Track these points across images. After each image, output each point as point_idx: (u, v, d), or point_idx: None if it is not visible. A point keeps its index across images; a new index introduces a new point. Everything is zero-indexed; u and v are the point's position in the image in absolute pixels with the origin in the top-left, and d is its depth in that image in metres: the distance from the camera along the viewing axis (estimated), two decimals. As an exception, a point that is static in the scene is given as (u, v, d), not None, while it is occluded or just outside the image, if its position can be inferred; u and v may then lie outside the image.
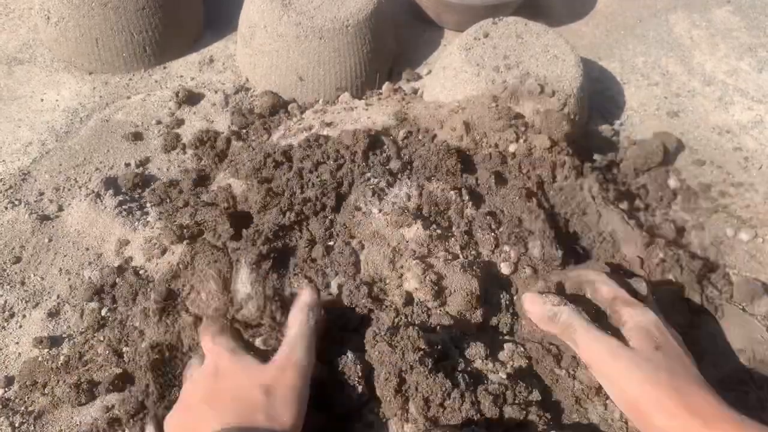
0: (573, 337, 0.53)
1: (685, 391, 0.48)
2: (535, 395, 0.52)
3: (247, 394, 0.49)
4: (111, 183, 0.80)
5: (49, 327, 0.68)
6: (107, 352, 0.63)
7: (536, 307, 0.56)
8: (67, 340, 0.67)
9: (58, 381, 0.62)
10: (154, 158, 0.84)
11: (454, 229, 0.64)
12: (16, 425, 0.59)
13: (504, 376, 0.53)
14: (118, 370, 0.62)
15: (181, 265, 0.63)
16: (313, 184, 0.66)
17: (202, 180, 0.80)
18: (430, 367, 0.50)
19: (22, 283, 0.71)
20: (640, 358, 0.50)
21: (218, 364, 0.52)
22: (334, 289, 0.59)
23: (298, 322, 0.54)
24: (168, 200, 0.78)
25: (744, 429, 0.45)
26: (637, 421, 0.49)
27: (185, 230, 0.70)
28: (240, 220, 0.66)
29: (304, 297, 0.56)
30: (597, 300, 0.57)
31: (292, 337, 0.53)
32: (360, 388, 0.52)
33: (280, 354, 0.52)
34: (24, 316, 0.69)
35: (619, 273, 0.61)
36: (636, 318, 0.53)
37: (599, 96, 0.95)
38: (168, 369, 0.58)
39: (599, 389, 0.53)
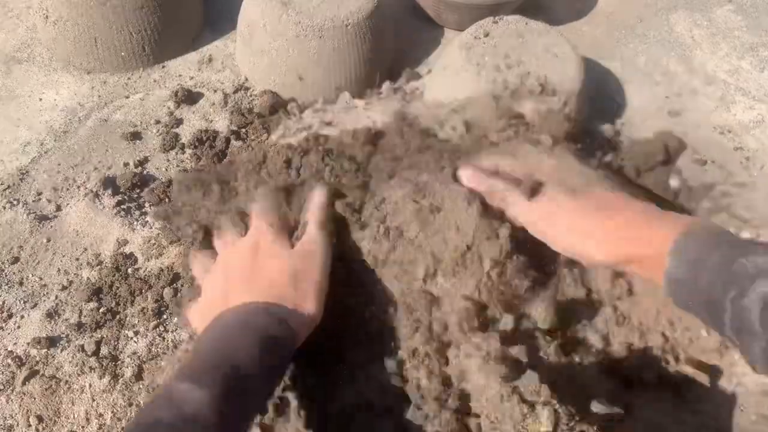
0: (509, 206, 0.57)
1: (606, 216, 0.52)
2: None
3: (279, 279, 0.52)
4: (109, 183, 0.79)
5: (47, 327, 0.67)
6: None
7: (472, 178, 0.59)
8: (65, 340, 0.67)
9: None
10: (152, 158, 0.84)
11: None
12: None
13: None
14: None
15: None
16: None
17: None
18: None
19: (21, 284, 0.71)
20: (564, 205, 0.54)
21: (259, 241, 0.56)
22: None
23: (315, 217, 0.57)
24: (167, 200, 0.77)
25: (651, 224, 0.50)
26: (557, 248, 0.55)
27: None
28: None
29: (318, 197, 0.59)
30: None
31: (311, 233, 0.56)
32: None
33: (302, 244, 0.56)
34: (22, 316, 0.68)
35: None
36: (539, 171, 0.58)
37: (600, 95, 0.94)
38: None
39: None
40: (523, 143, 0.66)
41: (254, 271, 0.53)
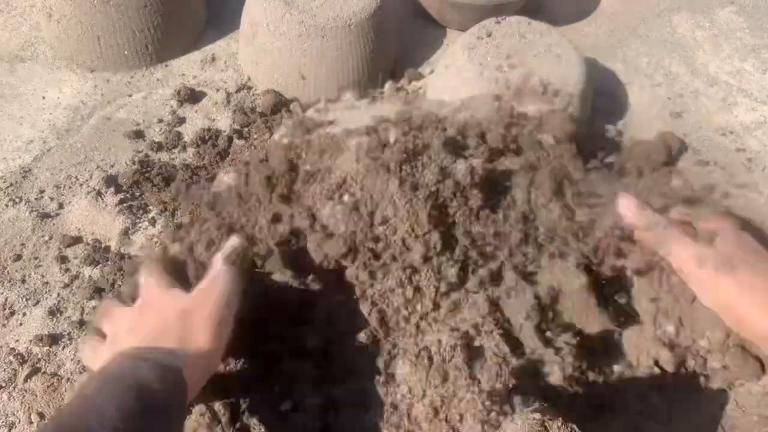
0: (667, 246, 0.52)
1: None
2: None
3: (164, 318, 0.49)
4: (112, 181, 0.80)
5: (49, 325, 0.67)
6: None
7: (634, 211, 0.55)
8: (67, 338, 0.67)
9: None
10: (155, 156, 0.84)
11: None
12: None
13: None
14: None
15: None
16: None
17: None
18: None
19: (23, 281, 0.71)
20: (731, 261, 0.49)
21: (146, 297, 0.53)
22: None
23: (223, 254, 0.54)
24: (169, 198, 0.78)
25: None
26: (736, 325, 0.49)
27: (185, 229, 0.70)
28: None
29: (231, 241, 0.56)
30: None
31: (216, 270, 0.53)
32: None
33: (202, 282, 0.52)
34: (24, 314, 0.68)
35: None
36: (717, 221, 0.54)
37: (602, 96, 0.94)
38: None
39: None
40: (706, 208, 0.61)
41: (138, 321, 0.50)
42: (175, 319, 0.49)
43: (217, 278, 0.52)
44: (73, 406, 0.43)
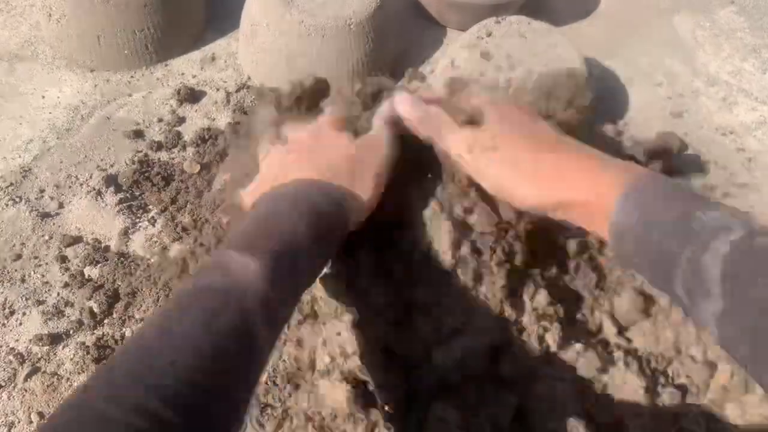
0: (439, 133, 0.51)
1: (542, 158, 0.47)
2: None
3: (337, 160, 0.50)
4: (112, 180, 0.80)
5: (49, 325, 0.67)
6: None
7: (407, 106, 0.53)
8: (66, 337, 0.67)
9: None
10: (154, 156, 0.84)
11: None
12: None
13: None
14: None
15: None
16: None
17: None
18: None
19: (23, 281, 0.71)
20: (498, 141, 0.48)
21: (322, 128, 0.53)
22: None
23: (384, 116, 0.53)
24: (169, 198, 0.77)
25: (597, 176, 0.45)
26: (514, 202, 0.49)
27: (186, 228, 0.70)
28: None
29: (393, 102, 0.54)
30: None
31: (377, 128, 0.53)
32: None
33: (365, 136, 0.52)
34: (24, 313, 0.68)
35: None
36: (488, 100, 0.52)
37: (603, 96, 0.94)
38: None
39: None
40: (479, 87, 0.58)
41: (313, 150, 0.51)
42: (345, 162, 0.49)
43: (381, 136, 0.52)
44: (257, 223, 0.45)
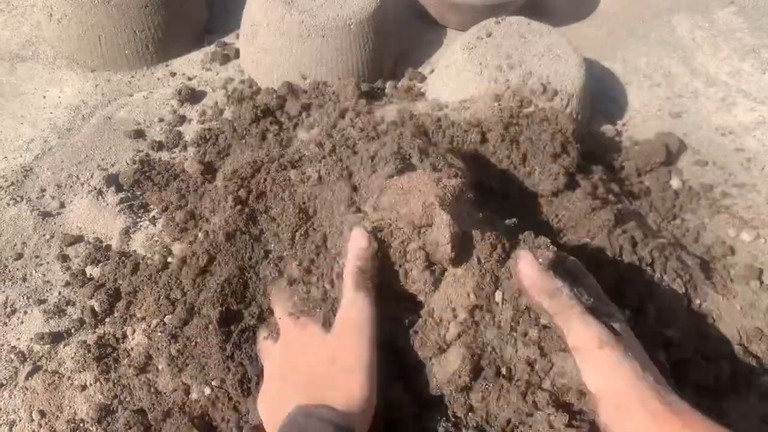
0: (568, 320, 0.47)
1: (664, 390, 0.45)
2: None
3: (315, 369, 0.47)
4: (113, 180, 0.80)
5: (50, 323, 0.68)
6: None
7: (534, 273, 0.48)
8: (67, 336, 0.67)
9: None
10: (155, 155, 0.84)
11: None
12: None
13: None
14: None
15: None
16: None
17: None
18: None
19: (24, 280, 0.71)
20: (629, 348, 0.47)
21: (286, 337, 0.51)
22: None
23: (350, 274, 0.50)
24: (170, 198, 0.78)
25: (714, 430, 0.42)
26: (611, 415, 0.45)
27: (186, 228, 0.70)
28: None
29: (356, 239, 0.51)
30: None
31: (348, 300, 0.49)
32: None
33: (338, 320, 0.49)
34: (26, 312, 0.69)
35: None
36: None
37: (602, 96, 0.95)
38: None
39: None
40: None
41: (290, 371, 0.49)
42: (327, 368, 0.47)
43: (353, 307, 0.49)
44: None
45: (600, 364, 0.46)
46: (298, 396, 0.46)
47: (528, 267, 0.48)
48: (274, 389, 0.50)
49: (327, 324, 0.50)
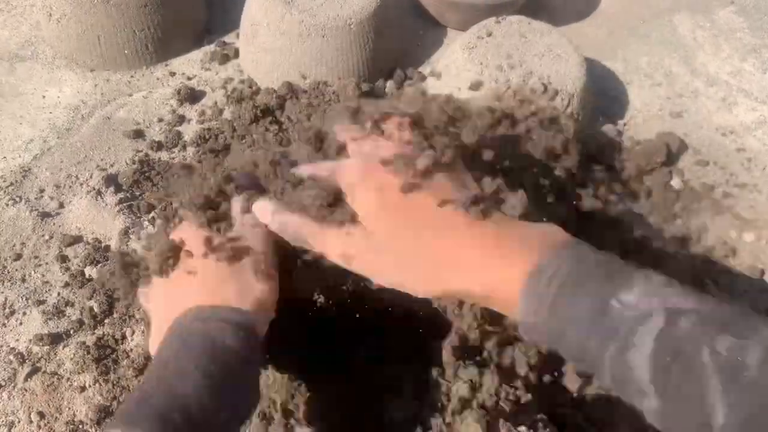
0: (309, 245, 0.45)
1: (426, 245, 0.40)
2: None
3: (211, 269, 0.45)
4: (112, 180, 0.80)
5: (49, 324, 0.67)
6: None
7: (265, 216, 0.47)
8: (66, 337, 0.67)
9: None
10: (155, 156, 0.84)
11: None
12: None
13: None
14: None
15: None
16: None
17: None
18: None
19: (23, 280, 0.71)
20: (372, 240, 0.42)
21: (185, 241, 0.47)
22: None
23: (239, 205, 0.48)
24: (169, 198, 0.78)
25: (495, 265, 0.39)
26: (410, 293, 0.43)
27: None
28: None
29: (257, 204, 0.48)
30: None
31: (247, 225, 0.47)
32: None
33: (233, 231, 0.47)
34: (24, 313, 0.68)
35: None
36: (348, 176, 0.44)
37: (602, 96, 0.94)
38: None
39: None
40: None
41: (183, 277, 0.46)
42: (226, 268, 0.44)
43: (254, 231, 0.47)
44: (153, 375, 0.41)
45: (365, 274, 0.43)
46: (194, 300, 0.44)
47: (261, 216, 0.47)
48: (163, 308, 0.46)
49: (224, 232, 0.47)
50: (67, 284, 0.70)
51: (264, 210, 0.46)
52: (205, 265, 0.45)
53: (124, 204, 0.77)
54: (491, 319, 0.50)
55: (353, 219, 0.43)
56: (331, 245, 0.43)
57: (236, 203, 0.49)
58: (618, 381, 0.35)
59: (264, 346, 0.45)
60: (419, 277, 0.40)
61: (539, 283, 0.36)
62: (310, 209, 0.44)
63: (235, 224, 0.48)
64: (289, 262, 0.49)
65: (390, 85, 0.91)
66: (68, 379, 0.64)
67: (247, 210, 0.48)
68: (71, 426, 0.60)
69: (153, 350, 0.44)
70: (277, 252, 0.47)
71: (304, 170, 0.47)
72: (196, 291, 0.44)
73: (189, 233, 0.48)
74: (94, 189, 0.78)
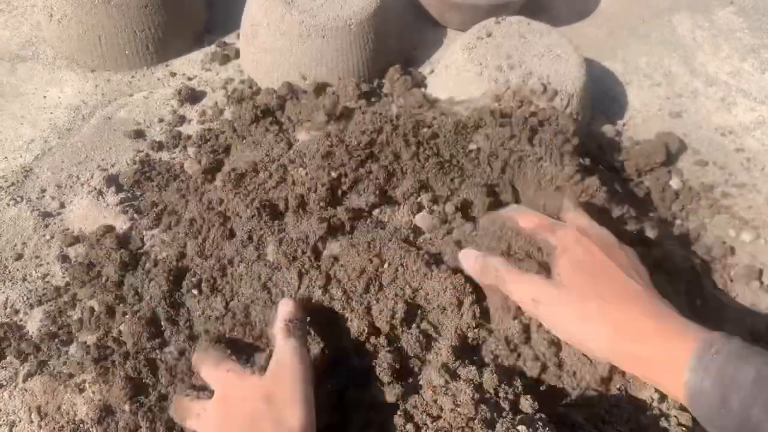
0: (503, 283, 0.51)
1: (612, 309, 0.47)
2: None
3: (251, 408, 0.48)
4: (113, 180, 0.80)
5: (50, 324, 0.67)
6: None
7: (469, 261, 0.54)
8: (67, 337, 0.67)
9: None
10: (155, 156, 0.84)
11: None
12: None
13: None
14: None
15: None
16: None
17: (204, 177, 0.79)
18: None
19: (24, 280, 0.71)
20: (564, 293, 0.48)
21: (226, 389, 0.51)
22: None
23: (280, 331, 0.53)
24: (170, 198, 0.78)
25: (669, 339, 0.44)
26: (580, 349, 0.50)
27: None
28: None
29: (281, 308, 0.55)
30: (520, 237, 0.54)
31: (280, 346, 0.52)
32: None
33: (271, 364, 0.51)
34: (26, 312, 0.69)
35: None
36: (562, 239, 0.51)
37: (602, 96, 0.95)
38: None
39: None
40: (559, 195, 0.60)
41: (227, 417, 0.49)
42: (263, 405, 0.47)
43: (284, 351, 0.51)
44: None
45: (546, 320, 0.50)
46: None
47: (465, 261, 0.55)
48: None
49: (263, 371, 0.51)
50: (67, 284, 0.71)
51: (468, 254, 0.54)
52: (243, 407, 0.49)
53: (125, 204, 0.77)
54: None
55: (548, 272, 0.51)
56: (525, 290, 0.50)
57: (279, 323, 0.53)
58: None
59: None
60: (601, 336, 0.46)
61: (708, 352, 0.41)
62: (513, 256, 0.53)
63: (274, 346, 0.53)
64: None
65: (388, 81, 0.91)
66: (68, 379, 0.64)
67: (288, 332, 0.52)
68: (71, 426, 0.60)
69: None
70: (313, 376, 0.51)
71: (527, 221, 0.55)
72: (237, 427, 0.48)
73: (220, 371, 0.52)
74: (95, 189, 0.78)
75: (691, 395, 0.41)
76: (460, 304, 0.54)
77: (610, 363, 0.50)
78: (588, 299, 0.47)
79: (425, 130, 0.66)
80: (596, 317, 0.46)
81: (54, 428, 0.60)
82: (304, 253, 0.60)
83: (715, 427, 0.42)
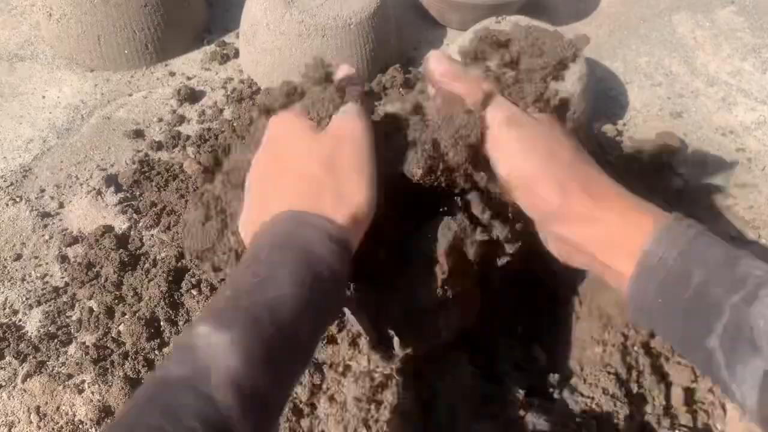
0: (480, 101, 0.44)
1: (578, 166, 0.42)
2: None
3: (308, 169, 0.41)
4: (112, 180, 0.80)
5: (49, 324, 0.67)
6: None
7: (441, 65, 0.47)
8: (66, 337, 0.67)
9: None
10: (154, 155, 0.84)
11: None
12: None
13: None
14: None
15: None
16: None
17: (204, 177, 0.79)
18: None
19: (23, 280, 0.71)
20: (543, 126, 0.43)
21: (273, 133, 0.44)
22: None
23: (349, 92, 0.45)
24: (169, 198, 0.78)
25: (632, 206, 0.39)
26: (521, 195, 0.43)
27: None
28: None
29: (338, 72, 0.47)
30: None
31: (349, 107, 0.44)
32: None
33: (332, 124, 0.43)
34: (25, 313, 0.69)
35: None
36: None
37: (602, 96, 0.95)
38: None
39: None
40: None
41: (279, 169, 0.42)
42: (323, 171, 0.40)
43: (353, 117, 0.43)
44: (248, 271, 0.37)
45: (507, 146, 0.42)
46: (288, 201, 0.40)
47: (435, 62, 0.47)
48: (257, 196, 0.43)
49: (322, 123, 0.44)
50: (66, 284, 0.70)
51: (440, 58, 0.48)
52: (298, 161, 0.42)
53: (124, 204, 0.77)
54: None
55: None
56: (506, 107, 0.43)
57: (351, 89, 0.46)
58: (730, 332, 0.34)
59: (352, 264, 0.41)
60: (560, 193, 0.40)
61: (681, 225, 0.37)
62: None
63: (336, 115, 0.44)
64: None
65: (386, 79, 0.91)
66: (68, 379, 0.63)
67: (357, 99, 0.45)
68: (70, 426, 0.60)
69: (243, 232, 0.42)
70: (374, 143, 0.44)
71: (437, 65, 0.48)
72: (292, 188, 0.41)
73: (276, 123, 0.45)
74: (94, 189, 0.78)
75: (646, 267, 0.37)
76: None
77: (545, 225, 0.43)
78: (556, 147, 0.42)
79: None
80: (567, 168, 0.41)
81: (53, 428, 0.60)
82: None
83: (651, 307, 0.37)
